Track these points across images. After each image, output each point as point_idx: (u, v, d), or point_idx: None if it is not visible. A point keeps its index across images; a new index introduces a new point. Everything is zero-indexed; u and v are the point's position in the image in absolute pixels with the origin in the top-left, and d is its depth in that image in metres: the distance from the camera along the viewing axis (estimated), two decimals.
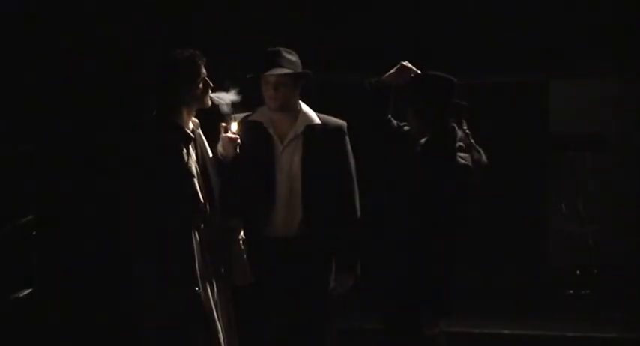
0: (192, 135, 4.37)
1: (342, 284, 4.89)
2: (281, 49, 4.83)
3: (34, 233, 5.98)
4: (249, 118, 4.86)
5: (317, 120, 4.89)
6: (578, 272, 7.68)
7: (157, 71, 4.38)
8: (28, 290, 5.90)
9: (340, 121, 4.94)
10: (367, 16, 7.54)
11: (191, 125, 4.40)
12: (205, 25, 7.00)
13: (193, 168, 4.30)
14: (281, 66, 4.76)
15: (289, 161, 4.83)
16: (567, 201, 7.90)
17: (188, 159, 4.28)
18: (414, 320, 4.61)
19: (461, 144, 4.62)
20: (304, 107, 4.91)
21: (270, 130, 4.84)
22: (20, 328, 5.83)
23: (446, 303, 4.63)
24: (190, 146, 4.35)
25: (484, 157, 4.66)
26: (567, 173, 7.93)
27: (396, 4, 7.53)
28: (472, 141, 4.67)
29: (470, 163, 4.59)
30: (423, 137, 4.68)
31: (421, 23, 7.50)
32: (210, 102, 4.44)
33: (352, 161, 4.93)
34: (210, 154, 4.50)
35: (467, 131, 4.69)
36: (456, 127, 4.65)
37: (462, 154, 4.60)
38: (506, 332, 6.57)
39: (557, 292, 7.55)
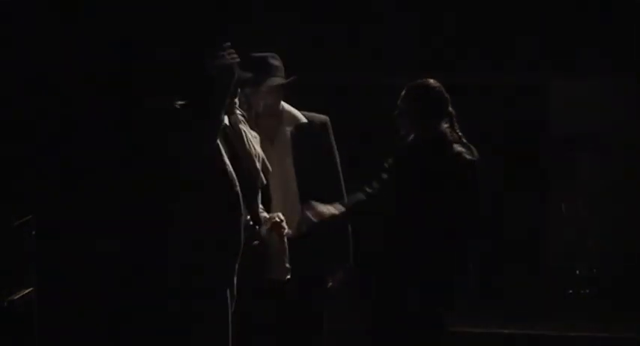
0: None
1: (336, 278, 4.92)
2: (267, 55, 4.87)
3: (34, 233, 5.98)
4: None
5: (303, 120, 4.92)
6: (578, 272, 7.68)
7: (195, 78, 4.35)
8: (28, 290, 5.90)
9: (323, 117, 4.99)
10: (367, 16, 7.56)
11: (226, 120, 4.36)
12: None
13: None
14: (273, 75, 4.80)
15: (280, 162, 4.83)
16: (567, 201, 7.90)
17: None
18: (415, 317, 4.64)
19: (459, 133, 4.67)
20: (287, 106, 4.93)
21: (258, 133, 4.85)
22: (20, 328, 5.83)
23: (446, 301, 4.66)
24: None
25: (476, 153, 4.69)
26: (567, 173, 7.93)
27: (396, 4, 7.53)
28: (465, 141, 4.72)
29: (472, 157, 4.62)
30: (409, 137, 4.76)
31: (421, 23, 7.51)
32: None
33: (337, 155, 4.98)
34: (254, 148, 4.48)
35: (459, 133, 4.73)
36: (447, 131, 4.70)
37: (461, 149, 4.64)
38: (506, 332, 6.57)
39: (557, 292, 7.55)
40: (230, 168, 4.24)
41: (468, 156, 4.62)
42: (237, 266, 4.26)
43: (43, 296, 5.99)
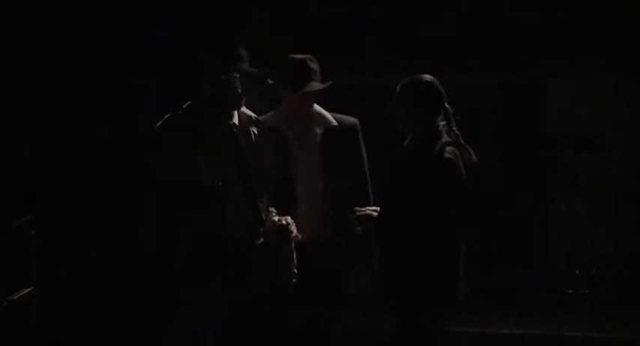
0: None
1: (359, 282, 4.92)
2: (306, 58, 4.88)
3: (34, 233, 5.98)
4: (266, 124, 4.85)
5: (334, 122, 4.95)
6: (577, 272, 7.68)
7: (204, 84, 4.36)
8: (28, 290, 5.90)
9: (353, 119, 5.02)
10: (366, 16, 7.55)
11: (235, 119, 4.38)
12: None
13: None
14: (314, 79, 4.84)
15: (308, 163, 4.87)
16: (567, 201, 7.89)
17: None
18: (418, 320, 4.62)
19: (448, 139, 4.63)
20: (317, 108, 4.96)
21: (289, 134, 4.86)
22: (20, 328, 5.82)
23: (445, 303, 4.64)
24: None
25: (474, 156, 4.66)
26: (566, 173, 7.92)
27: (395, 4, 7.53)
28: (462, 141, 4.67)
29: (454, 157, 4.57)
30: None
31: (420, 23, 7.50)
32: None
33: (365, 158, 5.00)
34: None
35: (456, 132, 4.69)
36: (443, 129, 4.66)
37: (448, 148, 4.60)
38: (506, 332, 6.57)
39: (557, 292, 7.54)
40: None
41: (448, 155, 4.56)
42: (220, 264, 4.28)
43: (43, 296, 5.99)
